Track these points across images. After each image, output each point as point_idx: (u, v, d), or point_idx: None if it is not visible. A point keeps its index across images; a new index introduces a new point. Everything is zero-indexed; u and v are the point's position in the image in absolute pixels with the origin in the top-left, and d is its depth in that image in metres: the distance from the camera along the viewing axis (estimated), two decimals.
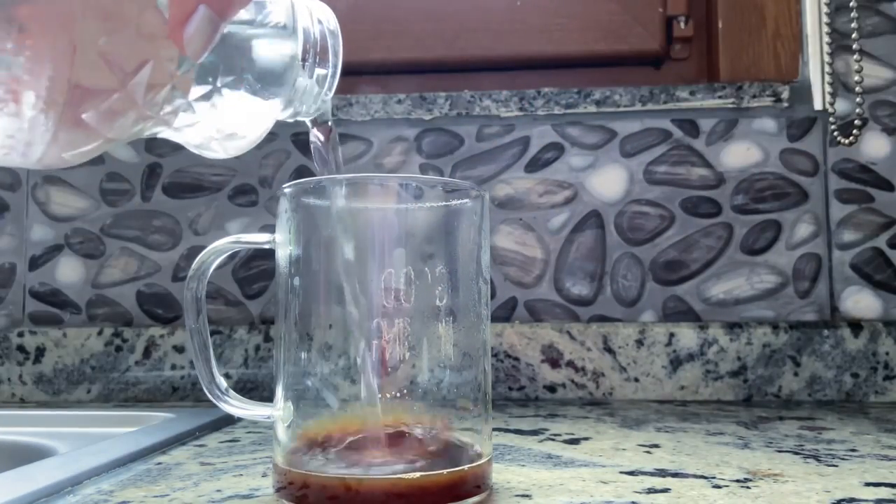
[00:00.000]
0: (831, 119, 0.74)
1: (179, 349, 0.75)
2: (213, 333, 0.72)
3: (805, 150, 0.76)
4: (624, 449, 0.46)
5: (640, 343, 0.72)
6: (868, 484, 0.37)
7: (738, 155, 0.76)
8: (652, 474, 0.39)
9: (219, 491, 0.37)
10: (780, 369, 0.71)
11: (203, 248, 0.37)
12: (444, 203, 0.35)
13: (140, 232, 0.80)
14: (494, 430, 0.52)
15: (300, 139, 0.79)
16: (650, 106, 0.76)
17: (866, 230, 0.74)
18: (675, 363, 0.72)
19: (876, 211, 0.75)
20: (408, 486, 0.32)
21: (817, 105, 0.75)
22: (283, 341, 0.35)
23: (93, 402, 0.75)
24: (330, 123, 0.38)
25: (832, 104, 0.74)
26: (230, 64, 0.31)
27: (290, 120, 0.37)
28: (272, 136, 0.79)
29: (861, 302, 0.74)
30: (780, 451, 0.45)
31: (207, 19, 0.27)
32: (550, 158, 0.77)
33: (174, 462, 0.44)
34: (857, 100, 0.73)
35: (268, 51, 0.33)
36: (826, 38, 0.75)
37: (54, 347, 0.76)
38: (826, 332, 0.71)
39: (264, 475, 0.40)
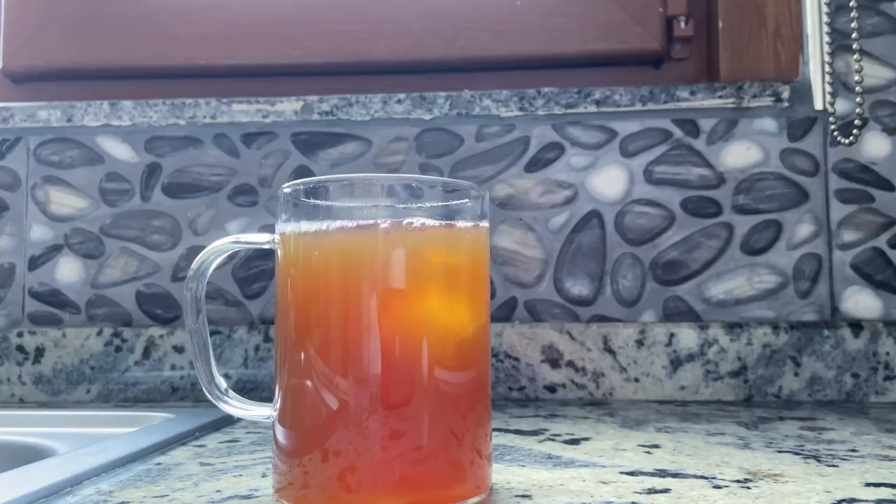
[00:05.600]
0: (831, 119, 0.74)
1: (179, 349, 0.75)
2: (212, 333, 0.73)
3: (805, 150, 0.76)
4: (624, 449, 0.46)
5: (640, 343, 0.72)
6: (868, 484, 0.37)
7: (739, 155, 0.76)
8: (652, 475, 0.39)
9: (218, 491, 0.37)
10: (780, 369, 0.71)
11: (203, 248, 0.37)
12: (444, 203, 0.35)
13: (139, 232, 0.80)
14: (494, 430, 0.52)
15: (300, 139, 0.79)
16: (650, 106, 0.76)
17: (867, 230, 0.74)
18: (676, 363, 0.72)
19: (876, 211, 0.75)
20: (408, 486, 0.32)
21: (817, 105, 0.75)
22: (283, 341, 0.35)
23: (92, 403, 0.75)
24: None
25: (832, 104, 0.74)
26: None
27: None
28: (272, 135, 0.79)
29: (861, 302, 0.74)
30: (780, 452, 0.45)
31: None
32: (551, 158, 0.77)
33: (174, 462, 0.44)
34: (858, 100, 0.73)
35: None
36: (826, 38, 0.75)
37: (54, 347, 0.76)
38: (826, 332, 0.71)
39: (264, 475, 0.40)
